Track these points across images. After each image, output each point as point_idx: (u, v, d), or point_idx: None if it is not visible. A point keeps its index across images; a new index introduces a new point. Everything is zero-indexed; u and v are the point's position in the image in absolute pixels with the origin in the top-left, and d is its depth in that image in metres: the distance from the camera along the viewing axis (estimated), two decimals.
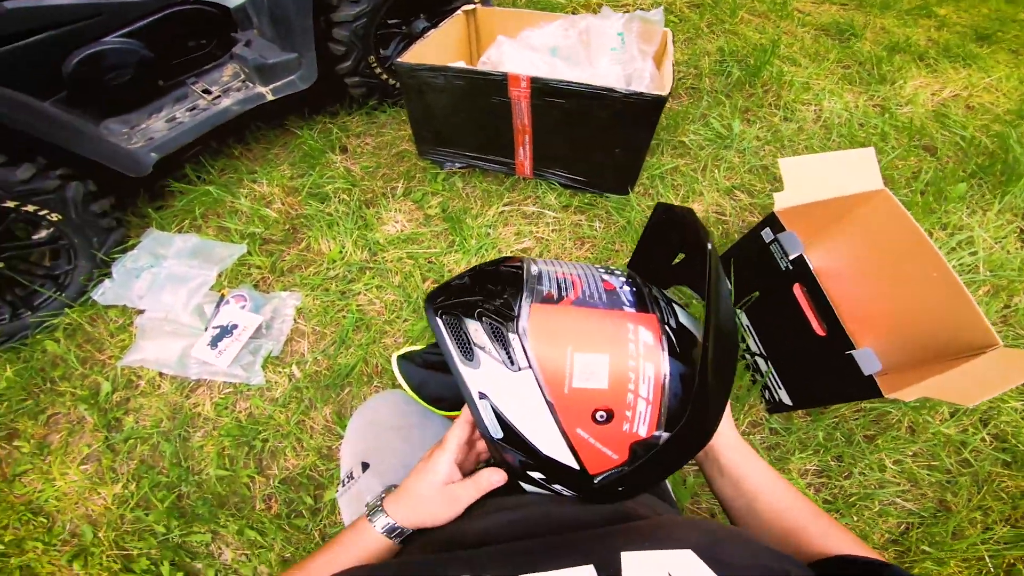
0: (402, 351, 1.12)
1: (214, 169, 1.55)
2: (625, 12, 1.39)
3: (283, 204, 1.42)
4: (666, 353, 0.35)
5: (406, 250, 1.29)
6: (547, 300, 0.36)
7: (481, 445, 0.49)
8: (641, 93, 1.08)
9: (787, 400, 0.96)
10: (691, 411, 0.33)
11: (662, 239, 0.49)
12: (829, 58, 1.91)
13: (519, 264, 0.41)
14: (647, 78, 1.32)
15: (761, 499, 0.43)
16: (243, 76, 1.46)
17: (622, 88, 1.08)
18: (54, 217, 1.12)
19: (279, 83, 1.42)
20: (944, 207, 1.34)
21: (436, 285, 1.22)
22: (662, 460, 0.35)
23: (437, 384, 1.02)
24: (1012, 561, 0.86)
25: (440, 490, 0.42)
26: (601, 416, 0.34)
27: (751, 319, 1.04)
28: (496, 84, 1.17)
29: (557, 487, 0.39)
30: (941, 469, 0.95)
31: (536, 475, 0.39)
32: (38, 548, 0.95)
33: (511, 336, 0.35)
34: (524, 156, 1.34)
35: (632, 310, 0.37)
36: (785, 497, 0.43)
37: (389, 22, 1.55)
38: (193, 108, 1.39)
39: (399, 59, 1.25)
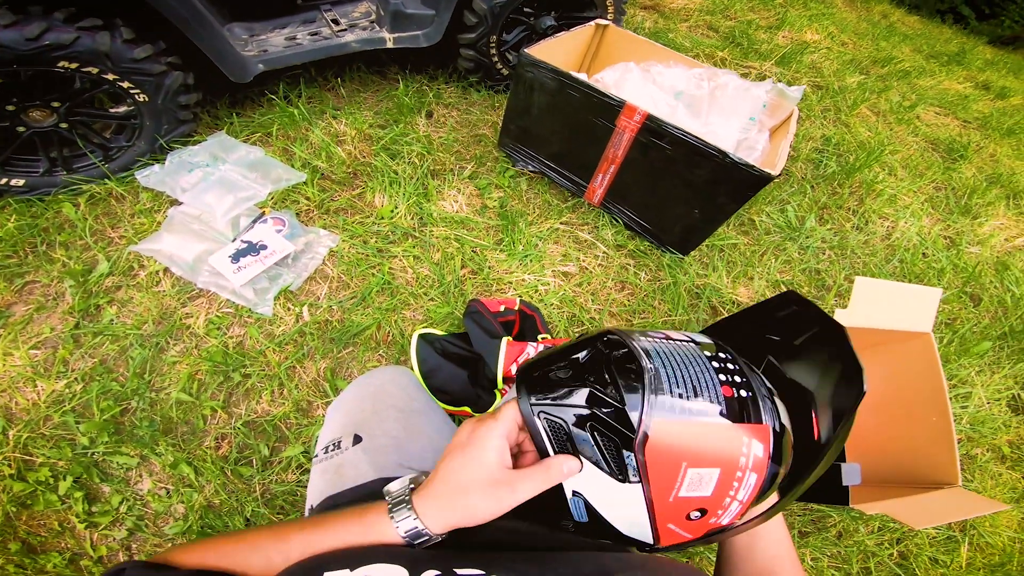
0: (423, 330, 1.13)
1: (304, 94, 1.56)
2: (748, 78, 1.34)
3: (354, 148, 1.45)
4: (770, 460, 0.36)
5: (455, 232, 1.31)
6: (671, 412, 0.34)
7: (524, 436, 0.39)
8: (752, 165, 1.05)
9: None
10: (771, 511, 0.36)
11: (769, 320, 0.46)
12: (926, 176, 1.85)
13: (629, 353, 0.37)
14: (758, 151, 1.28)
15: (762, 540, 0.45)
16: (374, 17, 1.46)
17: (734, 154, 1.06)
18: (142, 98, 1.13)
19: (404, 34, 1.42)
20: (959, 361, 1.32)
21: (472, 273, 1.24)
22: (723, 535, 0.38)
23: (446, 375, 1.03)
24: None
25: (491, 475, 0.34)
26: (695, 515, 0.35)
27: None
28: (608, 108, 1.15)
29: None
30: (843, 572, 1.00)
31: (603, 541, 0.40)
32: None
33: (626, 453, 0.34)
34: (600, 184, 1.33)
35: (751, 422, 0.36)
36: (782, 545, 0.45)
37: (524, 9, 1.54)
38: (315, 34, 1.40)
39: (527, 49, 1.23)
